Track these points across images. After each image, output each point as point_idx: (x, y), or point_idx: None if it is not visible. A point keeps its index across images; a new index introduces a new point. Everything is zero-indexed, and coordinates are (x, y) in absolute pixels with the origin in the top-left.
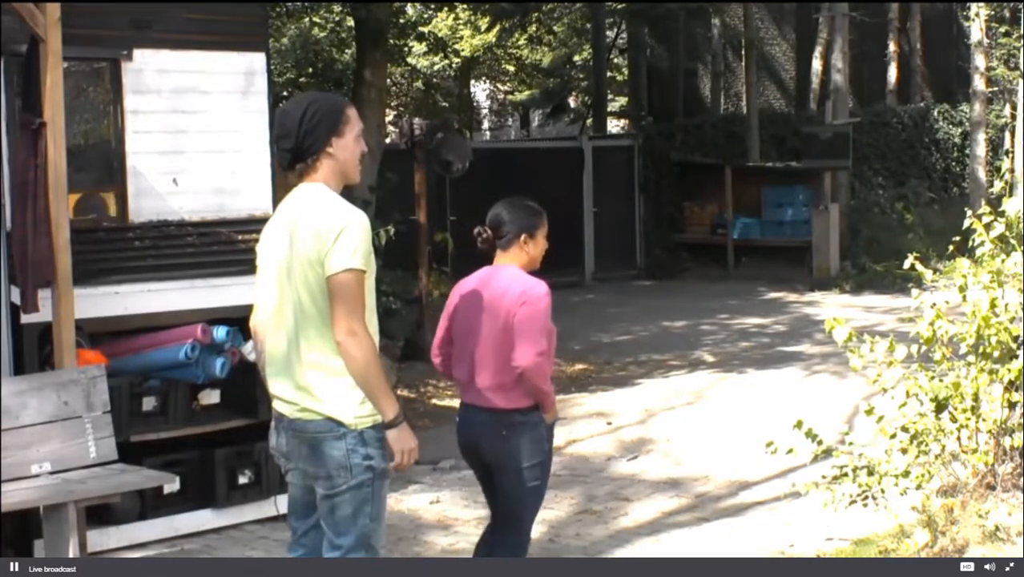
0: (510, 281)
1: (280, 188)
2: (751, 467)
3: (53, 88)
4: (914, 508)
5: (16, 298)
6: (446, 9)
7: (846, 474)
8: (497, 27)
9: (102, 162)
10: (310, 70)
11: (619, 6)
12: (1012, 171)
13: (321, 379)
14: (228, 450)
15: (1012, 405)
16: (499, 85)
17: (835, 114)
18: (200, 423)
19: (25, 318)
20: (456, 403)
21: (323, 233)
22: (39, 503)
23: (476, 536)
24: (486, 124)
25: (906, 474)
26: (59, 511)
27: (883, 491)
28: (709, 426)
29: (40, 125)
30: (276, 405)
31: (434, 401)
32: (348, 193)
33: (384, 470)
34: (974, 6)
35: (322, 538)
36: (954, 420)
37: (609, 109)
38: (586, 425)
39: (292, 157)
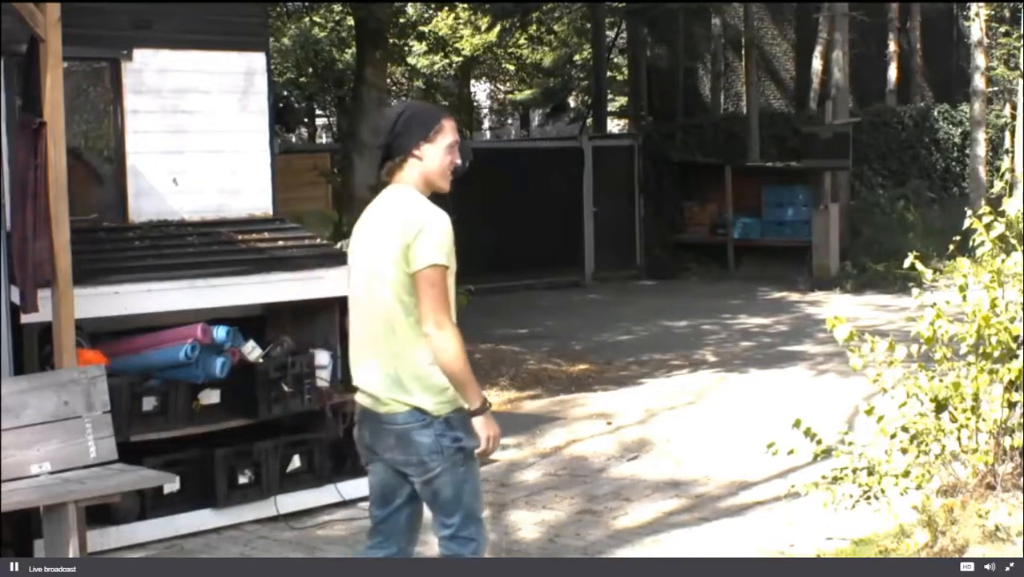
0: None
1: (280, 188)
2: (751, 467)
3: (53, 88)
4: (914, 508)
5: (16, 298)
6: (446, 9)
7: (846, 475)
8: (497, 27)
9: (102, 162)
10: (310, 70)
11: (619, 6)
12: (1012, 171)
13: (405, 371)
14: (228, 450)
15: (1012, 405)
16: (499, 85)
17: (835, 114)
18: (200, 423)
19: (25, 318)
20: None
21: (407, 231)
22: (39, 503)
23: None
24: (486, 124)
25: (906, 474)
26: (59, 511)
27: (883, 491)
28: (710, 426)
29: (40, 125)
30: (359, 398)
31: None
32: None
33: (473, 448)
34: (974, 6)
35: (399, 525)
36: (954, 420)
37: (609, 109)
38: (587, 425)
39: (383, 155)
